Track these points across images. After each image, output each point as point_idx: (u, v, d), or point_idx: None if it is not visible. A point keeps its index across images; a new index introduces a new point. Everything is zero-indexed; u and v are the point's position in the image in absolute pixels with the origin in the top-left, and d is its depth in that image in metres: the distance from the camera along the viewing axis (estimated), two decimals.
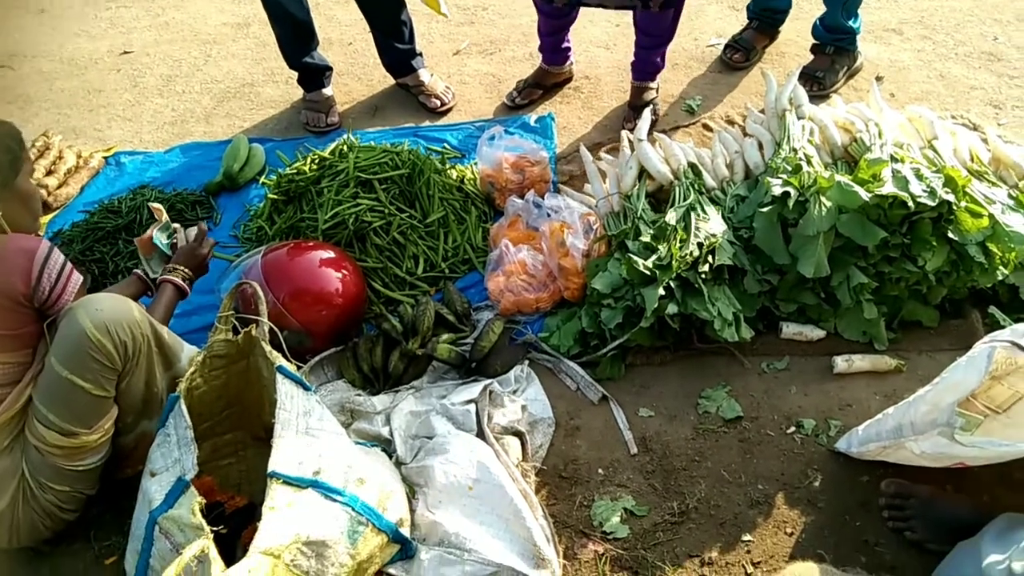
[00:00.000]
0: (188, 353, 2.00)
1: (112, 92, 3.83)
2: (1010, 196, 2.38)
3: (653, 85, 3.18)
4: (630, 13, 3.02)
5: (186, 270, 2.14)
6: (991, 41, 3.40)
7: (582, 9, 3.13)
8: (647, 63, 3.13)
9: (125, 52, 4.14)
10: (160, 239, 2.18)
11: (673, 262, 2.16)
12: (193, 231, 2.24)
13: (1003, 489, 1.85)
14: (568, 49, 3.35)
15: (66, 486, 1.83)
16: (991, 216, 2.15)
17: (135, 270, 2.18)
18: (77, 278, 1.84)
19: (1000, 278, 2.18)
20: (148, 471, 1.67)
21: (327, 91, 3.39)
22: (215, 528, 1.50)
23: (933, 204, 2.09)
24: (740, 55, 3.38)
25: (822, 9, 3.15)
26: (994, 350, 1.53)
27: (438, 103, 3.40)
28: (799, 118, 2.58)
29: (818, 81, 3.11)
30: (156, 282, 2.13)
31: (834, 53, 3.16)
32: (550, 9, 3.05)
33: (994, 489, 1.85)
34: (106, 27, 4.40)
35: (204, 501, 1.54)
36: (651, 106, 3.07)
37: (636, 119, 2.90)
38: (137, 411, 1.89)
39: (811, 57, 3.23)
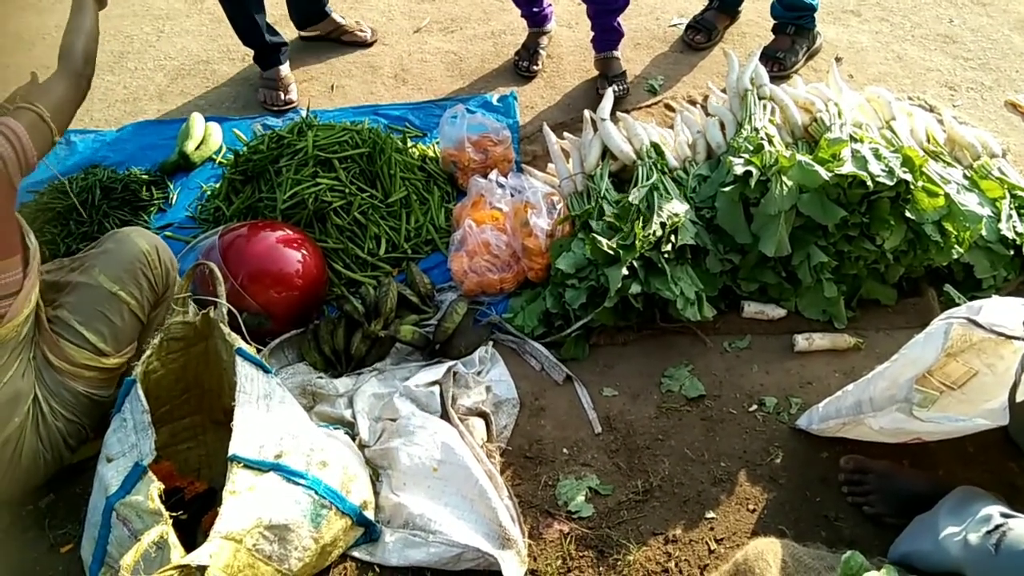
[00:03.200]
0: None
1: None
2: (965, 176, 2.42)
3: (617, 54, 3.17)
4: None
5: None
6: (947, 23, 3.45)
7: None
8: (605, 31, 3.12)
9: None
10: None
11: (636, 242, 2.17)
12: None
13: (958, 463, 1.89)
14: (550, 8, 3.37)
15: (76, 416, 1.86)
16: (947, 196, 2.19)
17: None
18: (17, 126, 1.79)
19: (955, 257, 2.22)
20: (104, 456, 1.64)
21: (284, 69, 3.33)
22: (174, 514, 1.48)
23: (891, 183, 2.11)
24: (702, 35, 3.38)
25: None
26: (951, 327, 1.55)
27: (367, 34, 3.58)
28: (760, 98, 2.59)
29: (779, 61, 3.13)
30: None
31: (795, 33, 3.17)
32: None
33: (949, 464, 1.89)
34: (54, 1, 4.25)
35: (163, 486, 1.51)
36: (616, 84, 3.06)
37: (609, 87, 2.93)
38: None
39: (772, 37, 3.24)
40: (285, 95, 3.29)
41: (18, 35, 3.97)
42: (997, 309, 1.55)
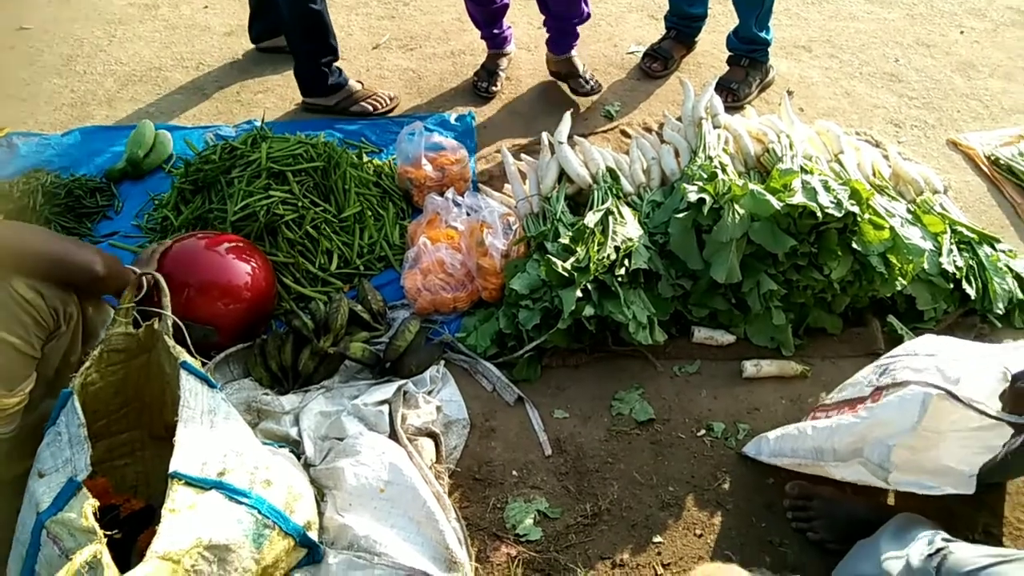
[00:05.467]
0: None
1: (5, 70, 3.60)
2: (909, 211, 2.49)
3: (576, 54, 3.27)
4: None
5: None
6: (892, 63, 3.56)
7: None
8: (564, 35, 3.21)
9: (21, 28, 3.91)
10: None
11: (591, 264, 2.17)
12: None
13: (899, 491, 1.92)
14: (509, 31, 3.41)
15: None
16: (892, 229, 2.24)
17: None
18: None
19: (899, 288, 2.28)
20: (36, 471, 1.57)
21: (352, 83, 3.28)
22: (109, 532, 1.42)
23: (839, 215, 2.16)
24: (659, 64, 3.44)
25: (736, 22, 3.24)
26: (928, 398, 1.55)
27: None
28: (715, 127, 2.64)
29: (733, 92, 3.19)
30: None
31: (748, 66, 3.24)
32: None
33: (891, 491, 1.92)
34: (1, 1, 4.15)
35: (97, 503, 1.45)
36: (588, 80, 3.21)
37: (566, 82, 3.09)
38: (47, 382, 1.81)
39: (727, 69, 3.31)
40: (383, 96, 3.27)
41: None
42: (974, 379, 1.56)
